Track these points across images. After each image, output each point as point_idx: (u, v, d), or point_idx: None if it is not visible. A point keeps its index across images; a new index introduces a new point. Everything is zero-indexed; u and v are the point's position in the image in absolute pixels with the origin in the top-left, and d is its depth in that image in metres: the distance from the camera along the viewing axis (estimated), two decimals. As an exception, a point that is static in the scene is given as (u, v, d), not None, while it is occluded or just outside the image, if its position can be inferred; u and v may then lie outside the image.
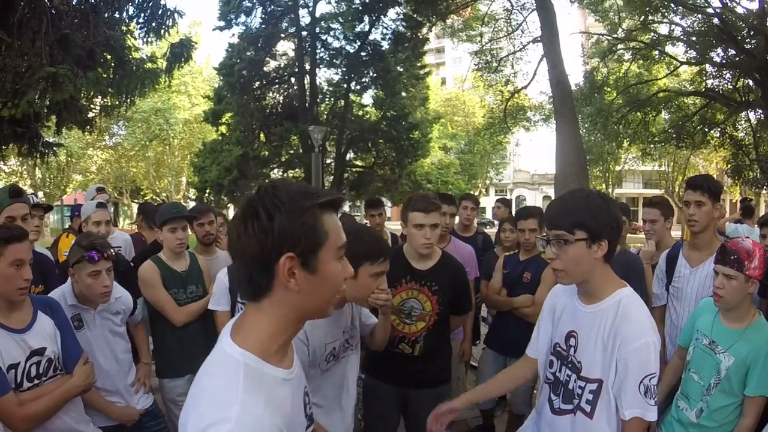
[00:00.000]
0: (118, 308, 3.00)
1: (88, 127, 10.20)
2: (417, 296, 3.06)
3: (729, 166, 21.82)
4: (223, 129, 23.07)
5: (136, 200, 37.98)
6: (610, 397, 1.88)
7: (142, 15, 9.80)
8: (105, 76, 9.32)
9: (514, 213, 6.79)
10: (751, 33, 17.56)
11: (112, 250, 2.83)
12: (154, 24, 9.88)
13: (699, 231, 3.20)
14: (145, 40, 10.07)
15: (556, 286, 2.26)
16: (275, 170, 24.51)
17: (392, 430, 3.26)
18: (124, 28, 9.87)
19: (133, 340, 3.25)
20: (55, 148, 10.54)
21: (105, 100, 10.41)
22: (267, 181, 1.28)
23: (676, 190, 35.12)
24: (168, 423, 3.29)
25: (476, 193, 29.34)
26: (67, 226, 5.52)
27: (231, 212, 22.65)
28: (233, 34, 21.92)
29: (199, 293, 3.54)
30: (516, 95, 22.34)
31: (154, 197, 35.12)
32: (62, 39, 8.03)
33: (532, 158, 55.42)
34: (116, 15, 9.60)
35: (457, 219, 4.99)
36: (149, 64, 10.23)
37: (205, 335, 3.46)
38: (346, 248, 1.26)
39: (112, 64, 9.57)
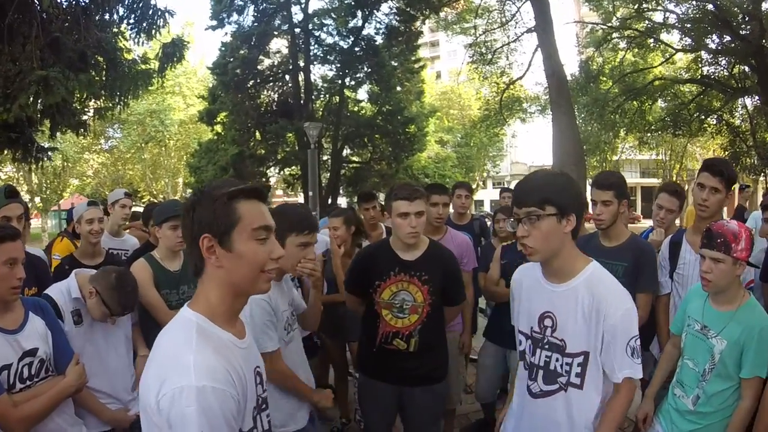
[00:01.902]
0: None
1: (82, 130, 10.16)
2: (407, 288, 3.00)
3: (726, 153, 21.81)
4: (218, 128, 22.95)
5: (133, 203, 37.87)
6: (597, 366, 2.00)
7: (133, 16, 9.75)
8: (97, 78, 9.27)
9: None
10: (746, 18, 17.59)
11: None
12: (144, 24, 9.84)
13: (708, 217, 3.14)
14: (136, 41, 10.03)
15: (516, 272, 2.37)
16: (271, 168, 24.47)
17: (390, 429, 3.23)
18: (115, 29, 9.83)
19: None
20: (49, 153, 10.53)
21: (98, 102, 10.39)
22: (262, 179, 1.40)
23: (674, 178, 35.08)
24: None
25: (474, 186, 29.24)
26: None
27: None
28: (226, 33, 21.87)
29: (192, 294, 3.46)
30: (511, 86, 22.33)
31: (152, 199, 35.04)
32: (53, 42, 7.99)
33: (529, 150, 55.39)
34: (107, 17, 9.56)
35: (451, 208, 4.96)
36: (141, 65, 10.20)
37: None
38: (272, 227, 1.48)
39: (104, 66, 9.54)
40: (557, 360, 2.06)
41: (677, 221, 4.50)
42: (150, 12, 9.68)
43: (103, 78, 9.54)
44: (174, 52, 10.33)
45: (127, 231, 5.25)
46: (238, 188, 1.43)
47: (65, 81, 7.59)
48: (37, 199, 31.40)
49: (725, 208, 4.15)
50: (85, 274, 2.80)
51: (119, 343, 2.95)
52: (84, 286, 2.73)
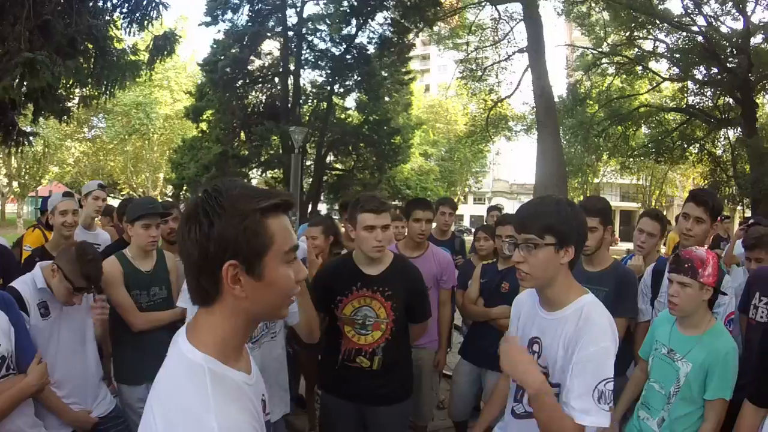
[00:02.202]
0: None
1: (65, 116, 10.00)
2: (369, 303, 2.88)
3: (706, 182, 22.20)
4: (203, 126, 22.82)
5: (112, 195, 37.50)
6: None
7: (126, 5, 9.69)
8: (85, 65, 9.15)
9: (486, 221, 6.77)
10: (734, 52, 17.95)
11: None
12: (138, 14, 9.77)
13: (692, 246, 3.15)
14: (127, 30, 9.93)
15: (520, 295, 2.28)
16: (254, 170, 24.33)
17: None
18: (107, 17, 9.72)
19: None
20: (31, 138, 10.33)
21: (84, 90, 10.25)
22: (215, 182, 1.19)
23: (653, 203, 35.56)
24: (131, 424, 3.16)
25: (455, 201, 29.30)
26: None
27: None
28: (219, 31, 21.80)
29: (163, 295, 3.36)
30: (499, 104, 22.48)
31: (131, 193, 34.66)
32: (43, 25, 7.90)
33: (512, 168, 55.71)
34: (100, 3, 9.48)
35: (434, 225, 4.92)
36: (131, 56, 10.08)
37: (167, 343, 3.32)
38: (298, 247, 1.22)
39: (93, 54, 9.41)
40: None
41: (662, 248, 4.52)
42: (144, 2, 9.63)
43: (91, 66, 9.40)
44: (165, 45, 10.26)
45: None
46: (271, 203, 1.13)
47: (52, 65, 7.48)
48: (15, 184, 30.90)
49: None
50: (50, 264, 2.70)
51: (87, 338, 2.86)
52: (48, 274, 2.65)
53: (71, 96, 10.39)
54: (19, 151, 9.92)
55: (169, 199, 21.82)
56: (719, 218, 8.59)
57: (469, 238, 6.71)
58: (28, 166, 31.21)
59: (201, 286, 1.13)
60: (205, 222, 1.08)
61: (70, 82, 9.20)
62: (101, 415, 2.88)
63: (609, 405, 1.81)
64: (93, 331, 2.95)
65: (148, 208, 3.29)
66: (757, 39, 18.30)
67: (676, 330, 2.58)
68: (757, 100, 19.89)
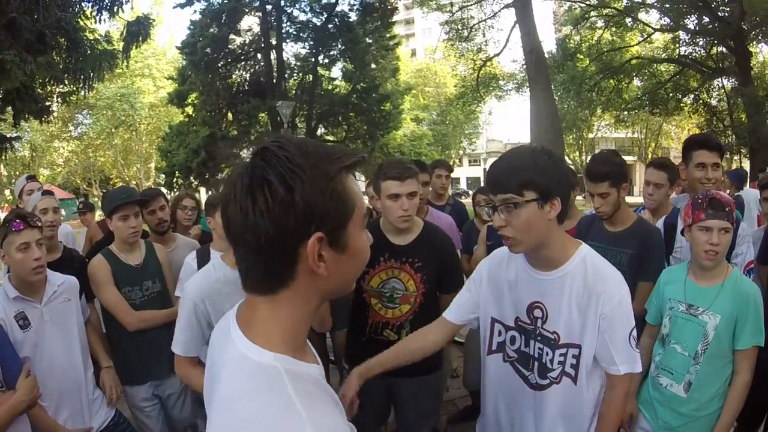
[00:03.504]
0: (66, 296, 2.66)
1: (46, 116, 9.80)
2: (398, 275, 2.71)
3: (703, 132, 22.08)
4: (188, 110, 22.55)
5: (105, 190, 37.49)
6: (590, 360, 1.82)
7: (94, -8, 9.39)
8: (58, 59, 8.88)
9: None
10: (726, 0, 17.67)
11: (39, 220, 2.52)
12: (107, 1, 9.43)
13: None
14: (98, 18, 9.63)
15: (494, 255, 2.09)
16: (244, 149, 24.03)
17: (382, 421, 3.00)
18: (76, 8, 9.44)
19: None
20: (13, 143, 10.09)
21: (62, 86, 9.98)
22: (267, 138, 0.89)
23: (649, 156, 35.46)
24: (137, 429, 3.04)
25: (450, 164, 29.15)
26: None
27: (203, 196, 22.18)
28: (195, 11, 21.33)
29: (157, 289, 3.18)
30: (488, 63, 22.22)
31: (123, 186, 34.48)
32: (9, 23, 7.65)
33: (505, 127, 55.45)
34: (67, -6, 9.14)
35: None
36: (104, 45, 9.81)
37: (167, 340, 3.11)
38: None
39: (65, 47, 9.18)
40: (548, 354, 1.88)
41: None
42: (112, -13, 9.34)
43: (64, 60, 9.17)
44: (139, 30, 10.09)
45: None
46: (354, 159, 0.95)
47: (23, 64, 7.22)
48: (7, 192, 30.65)
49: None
50: None
51: (76, 346, 2.68)
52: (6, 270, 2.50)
53: (50, 94, 10.14)
54: (4, 157, 9.69)
55: (163, 189, 21.63)
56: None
57: (467, 201, 6.48)
58: (17, 173, 30.95)
59: (270, 271, 0.91)
60: (281, 187, 0.85)
61: (46, 80, 8.93)
62: (100, 427, 2.74)
63: (638, 350, 1.82)
64: (84, 338, 2.77)
65: (122, 198, 3.06)
66: None
67: (692, 283, 2.39)
68: (751, 49, 19.81)
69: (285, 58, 23.09)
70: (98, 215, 6.51)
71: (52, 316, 2.53)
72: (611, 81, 22.32)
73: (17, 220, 2.38)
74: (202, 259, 2.85)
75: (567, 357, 1.85)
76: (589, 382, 1.85)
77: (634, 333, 1.79)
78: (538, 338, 1.91)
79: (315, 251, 0.88)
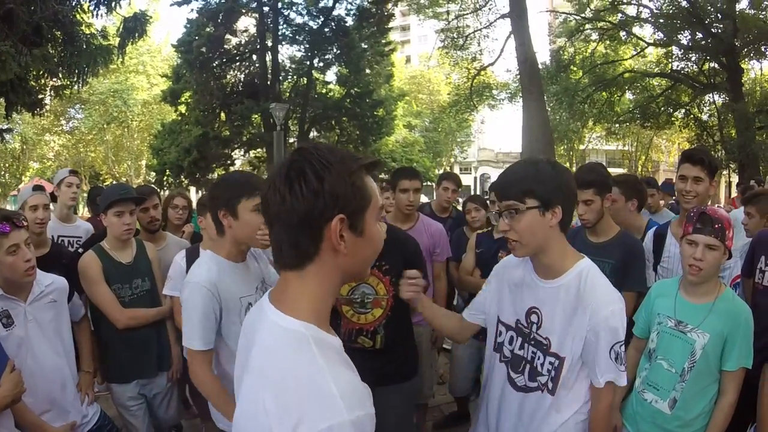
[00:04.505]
0: (53, 297, 2.64)
1: (38, 109, 9.73)
2: (367, 280, 2.73)
3: (693, 146, 22.25)
4: (182, 109, 22.36)
5: (93, 186, 37.09)
6: (574, 372, 1.91)
7: (93, -14, 9.35)
8: (53, 52, 8.82)
9: (478, 191, 6.53)
10: (719, 17, 17.93)
11: (24, 219, 2.51)
12: (105, -5, 9.42)
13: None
14: (95, 13, 9.58)
15: (507, 258, 2.22)
16: (236, 150, 23.98)
17: None
18: (73, 2, 9.39)
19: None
20: (4, 135, 10.02)
21: (55, 80, 9.93)
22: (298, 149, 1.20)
23: (639, 169, 35.68)
24: (122, 428, 3.07)
25: (440, 171, 29.09)
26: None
27: (194, 195, 22.08)
28: (192, 10, 21.16)
29: (146, 287, 3.19)
30: (482, 72, 22.31)
31: (114, 182, 34.16)
32: (6, 15, 7.61)
33: (497, 137, 55.50)
34: (65, -13, 9.09)
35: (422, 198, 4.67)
36: (100, 40, 9.75)
37: (155, 338, 3.17)
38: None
39: (61, 41, 9.13)
40: (539, 359, 1.97)
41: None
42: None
43: (60, 53, 9.11)
44: (135, 27, 10.06)
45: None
46: (371, 161, 1.18)
47: (18, 56, 7.18)
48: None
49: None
50: None
51: (62, 345, 2.67)
52: None
53: (43, 87, 10.08)
54: (-6, 149, 9.68)
55: (153, 187, 21.56)
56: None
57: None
58: (7, 165, 30.61)
59: (300, 246, 1.11)
60: (314, 177, 1.07)
61: (40, 72, 8.87)
62: (84, 428, 2.74)
63: (624, 365, 1.88)
64: (70, 339, 2.77)
65: (119, 194, 3.07)
66: (742, 4, 18.40)
67: (683, 299, 2.39)
68: (743, 65, 20.07)
69: (280, 60, 23.01)
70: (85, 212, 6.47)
71: (36, 316, 2.52)
72: (604, 93, 22.48)
73: (3, 222, 2.35)
74: (191, 258, 2.87)
75: (553, 366, 1.93)
76: (572, 396, 1.93)
77: (618, 348, 1.85)
78: (532, 342, 1.99)
79: (337, 230, 1.08)
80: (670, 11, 19.29)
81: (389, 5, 22.41)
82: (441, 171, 29.98)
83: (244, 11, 21.56)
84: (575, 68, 22.78)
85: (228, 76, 22.71)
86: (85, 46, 9.32)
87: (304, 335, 1.08)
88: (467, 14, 22.26)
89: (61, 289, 2.72)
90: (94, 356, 3.07)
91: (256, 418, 1.02)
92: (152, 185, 23.75)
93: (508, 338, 2.09)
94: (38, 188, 3.71)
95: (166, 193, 15.47)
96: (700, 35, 19.23)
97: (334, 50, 22.61)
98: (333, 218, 1.08)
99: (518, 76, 18.48)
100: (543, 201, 1.81)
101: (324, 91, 24.32)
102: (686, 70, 21.71)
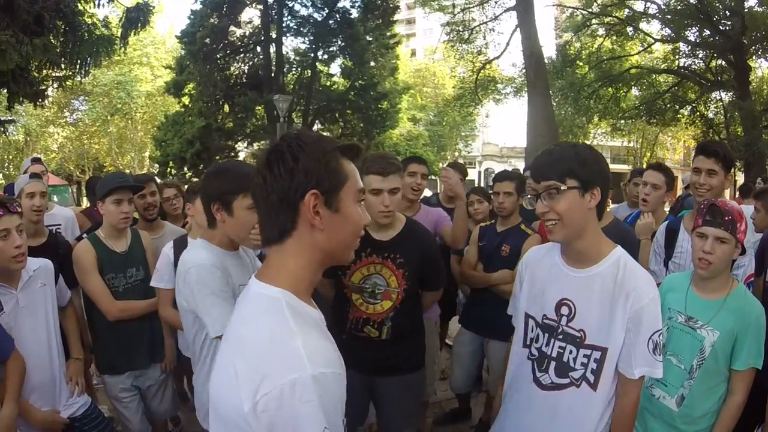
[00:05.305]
0: (43, 281, 2.61)
1: (40, 100, 9.68)
2: (380, 271, 2.68)
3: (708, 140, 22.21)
4: (185, 100, 22.36)
5: (91, 176, 37.13)
6: (612, 367, 1.83)
7: (95, -24, 9.29)
8: (55, 42, 8.76)
9: (482, 184, 6.43)
10: (728, 14, 17.85)
11: (19, 205, 2.49)
12: (107, -16, 9.37)
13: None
14: (97, 3, 9.51)
15: (531, 251, 2.19)
16: (240, 142, 23.92)
17: (362, 421, 2.97)
18: None
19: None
20: (7, 126, 9.98)
21: (58, 70, 9.88)
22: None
23: (644, 165, 35.49)
24: (115, 419, 3.05)
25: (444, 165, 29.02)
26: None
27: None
28: (196, 1, 21.06)
29: (140, 276, 3.15)
30: (487, 66, 22.21)
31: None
32: (7, 4, 7.53)
33: (501, 131, 55.31)
34: (67, -23, 9.02)
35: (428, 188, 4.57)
36: (102, 30, 9.69)
37: (149, 329, 3.13)
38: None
39: (63, 31, 9.06)
40: (571, 353, 1.90)
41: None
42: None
43: (61, 43, 9.04)
44: (138, 17, 10.01)
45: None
46: (346, 144, 1.26)
47: (19, 45, 7.12)
48: (0, 176, 30.44)
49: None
50: None
51: (51, 332, 2.64)
52: None
53: (45, 78, 10.02)
54: (-4, 141, 9.68)
55: (156, 178, 21.53)
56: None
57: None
58: (11, 157, 30.64)
59: (279, 221, 1.19)
60: (290, 158, 1.16)
61: (42, 63, 8.82)
62: (73, 416, 2.70)
63: (661, 356, 1.81)
64: (57, 324, 2.72)
65: (117, 182, 3.03)
66: (750, 1, 18.36)
67: (694, 294, 2.34)
68: (751, 63, 19.98)
69: (284, 52, 22.93)
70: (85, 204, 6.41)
71: (27, 302, 2.49)
72: (609, 89, 22.39)
73: None
74: (179, 249, 2.79)
75: (590, 359, 1.86)
76: (609, 390, 1.87)
77: (657, 337, 1.80)
78: (560, 336, 1.93)
79: (311, 205, 1.16)
80: (678, 7, 19.22)
81: (394, -3, 22.31)
82: (445, 164, 29.88)
83: (248, 2, 21.53)
84: (581, 63, 22.71)
85: (232, 68, 22.67)
86: (87, 37, 9.31)
87: (278, 299, 1.15)
88: (473, 7, 22.15)
89: (48, 271, 2.68)
90: (84, 343, 3.04)
91: (228, 384, 1.08)
92: (155, 177, 23.91)
93: (536, 334, 2.03)
94: (35, 176, 3.68)
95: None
96: (707, 32, 19.16)
97: (339, 42, 22.52)
98: (307, 193, 1.15)
99: (524, 71, 18.43)
100: (583, 182, 1.78)
101: (328, 83, 24.25)
102: (693, 67, 21.63)
